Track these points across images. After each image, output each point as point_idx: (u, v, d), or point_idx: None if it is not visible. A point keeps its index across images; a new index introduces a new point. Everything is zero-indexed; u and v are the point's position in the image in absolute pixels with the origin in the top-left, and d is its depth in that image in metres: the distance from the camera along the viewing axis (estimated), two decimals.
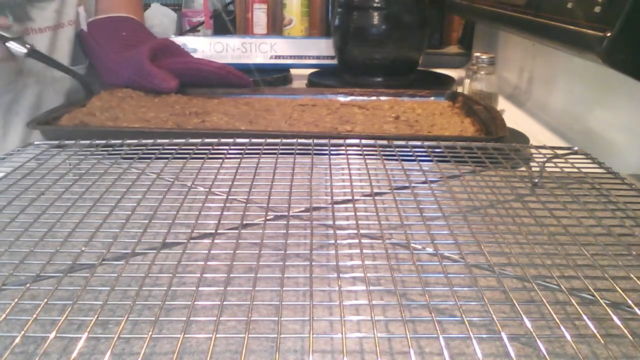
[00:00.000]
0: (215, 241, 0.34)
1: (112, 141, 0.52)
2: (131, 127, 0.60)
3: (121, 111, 0.67)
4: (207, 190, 0.43)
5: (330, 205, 0.40)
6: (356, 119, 0.67)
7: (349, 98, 0.77)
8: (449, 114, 0.69)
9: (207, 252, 0.32)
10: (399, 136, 0.59)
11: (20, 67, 0.76)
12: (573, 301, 0.28)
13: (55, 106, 0.69)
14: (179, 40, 0.92)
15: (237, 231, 0.35)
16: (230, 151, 0.50)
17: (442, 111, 0.70)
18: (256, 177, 0.43)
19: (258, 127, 0.63)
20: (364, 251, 0.32)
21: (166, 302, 0.28)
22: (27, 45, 0.68)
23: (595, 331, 0.26)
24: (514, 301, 0.28)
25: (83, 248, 0.33)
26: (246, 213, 0.38)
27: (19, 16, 0.73)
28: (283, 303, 0.27)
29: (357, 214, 0.37)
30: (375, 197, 0.41)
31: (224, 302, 0.27)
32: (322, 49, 1.00)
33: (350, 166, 0.46)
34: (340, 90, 0.79)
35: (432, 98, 0.77)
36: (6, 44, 0.67)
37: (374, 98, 0.77)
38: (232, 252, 0.32)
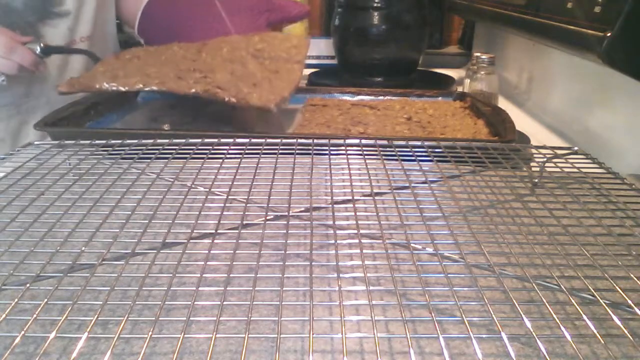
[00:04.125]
0: (215, 241, 0.34)
1: (112, 141, 0.52)
2: (135, 130, 0.60)
3: (122, 69, 0.66)
4: (207, 190, 0.43)
5: (330, 205, 0.40)
6: (368, 119, 0.67)
7: (357, 97, 0.77)
8: (461, 115, 0.69)
9: (207, 252, 0.32)
10: (399, 137, 0.59)
11: (28, 89, 0.76)
12: (573, 301, 0.28)
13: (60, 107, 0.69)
14: None
15: (237, 231, 0.35)
16: (230, 151, 0.50)
17: (454, 112, 0.70)
18: (256, 177, 0.43)
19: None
20: (364, 251, 0.32)
21: (166, 302, 0.28)
22: (40, 45, 0.68)
23: (595, 331, 0.26)
24: (514, 301, 0.28)
25: (83, 248, 0.33)
26: (246, 213, 0.38)
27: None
28: (283, 303, 0.27)
29: (357, 214, 0.37)
30: (375, 197, 0.41)
31: (224, 302, 0.27)
32: (322, 49, 1.01)
33: (350, 166, 0.46)
34: (347, 90, 0.79)
35: (440, 98, 0.77)
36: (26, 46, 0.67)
37: (381, 98, 0.77)
38: (232, 252, 0.32)
